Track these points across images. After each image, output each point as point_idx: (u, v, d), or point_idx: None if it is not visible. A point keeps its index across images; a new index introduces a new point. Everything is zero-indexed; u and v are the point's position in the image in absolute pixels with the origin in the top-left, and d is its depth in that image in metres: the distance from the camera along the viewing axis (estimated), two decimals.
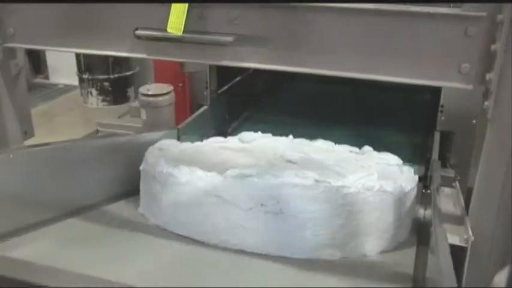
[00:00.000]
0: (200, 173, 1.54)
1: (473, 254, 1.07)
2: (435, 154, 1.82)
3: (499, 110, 1.04)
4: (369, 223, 1.49)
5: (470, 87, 1.10)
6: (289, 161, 1.75)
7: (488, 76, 1.06)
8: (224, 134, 2.28)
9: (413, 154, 2.13)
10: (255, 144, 1.96)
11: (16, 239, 1.42)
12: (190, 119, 2.10)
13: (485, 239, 1.09)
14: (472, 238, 1.11)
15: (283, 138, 1.99)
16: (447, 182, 1.66)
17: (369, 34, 1.14)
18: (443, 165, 1.87)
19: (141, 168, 1.68)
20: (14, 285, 1.09)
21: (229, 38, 1.21)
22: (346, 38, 1.16)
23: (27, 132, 1.69)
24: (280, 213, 1.46)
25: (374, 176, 1.51)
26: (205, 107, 2.20)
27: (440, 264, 0.99)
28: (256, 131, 2.26)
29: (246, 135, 2.00)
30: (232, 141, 2.00)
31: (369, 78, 1.16)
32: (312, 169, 1.58)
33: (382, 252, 1.53)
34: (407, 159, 2.05)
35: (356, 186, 1.47)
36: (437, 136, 1.92)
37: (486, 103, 1.08)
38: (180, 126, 2.00)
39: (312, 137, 2.13)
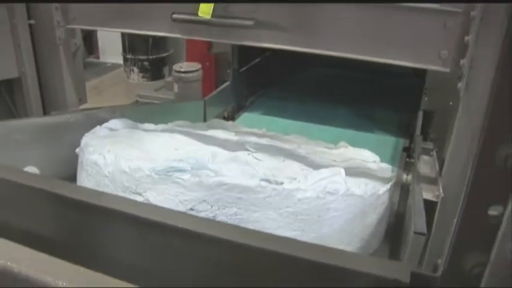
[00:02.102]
0: (124, 164, 1.15)
1: (442, 208, 1.10)
2: (418, 130, 1.85)
3: (469, 90, 1.07)
4: (329, 234, 1.12)
5: (447, 70, 1.14)
6: (247, 149, 1.35)
7: (462, 62, 1.09)
8: (242, 107, 2.34)
9: (400, 129, 2.17)
10: (219, 131, 1.56)
11: None
12: (214, 92, 2.13)
13: (452, 196, 1.13)
14: (442, 195, 1.14)
15: (255, 130, 1.71)
16: (427, 153, 1.70)
17: (367, 23, 1.17)
18: (425, 139, 1.91)
19: (76, 150, 1.39)
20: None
21: (250, 22, 1.24)
22: (348, 25, 1.19)
23: (82, 99, 1.75)
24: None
25: (340, 176, 1.14)
26: (227, 83, 2.23)
27: (414, 212, 1.01)
28: (269, 105, 2.31)
29: (215, 122, 1.79)
30: (199, 126, 1.67)
31: (365, 59, 1.19)
32: (267, 164, 1.23)
33: None
34: (395, 134, 2.11)
35: (315, 190, 1.09)
36: (420, 115, 1.94)
37: (459, 84, 1.11)
38: (206, 98, 2.03)
39: (315, 113, 2.18)
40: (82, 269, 0.74)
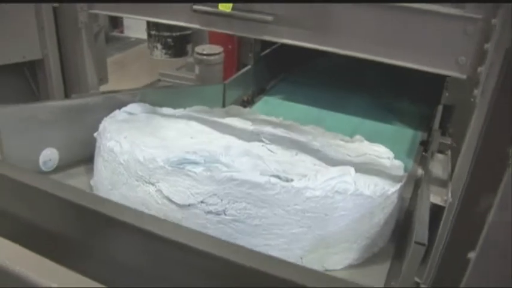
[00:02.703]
0: (139, 154, 1.17)
1: (448, 214, 1.10)
2: (436, 124, 1.84)
3: (484, 97, 1.07)
4: (335, 232, 1.13)
5: (464, 76, 1.12)
6: (261, 140, 1.38)
7: (479, 69, 1.08)
8: (262, 90, 2.35)
9: (419, 122, 2.15)
10: (236, 119, 1.57)
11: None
12: (235, 76, 2.14)
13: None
14: (450, 200, 1.14)
15: (272, 118, 1.70)
16: (444, 148, 1.69)
17: (386, 24, 1.16)
18: (443, 134, 1.90)
19: (94, 134, 1.41)
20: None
21: (270, 17, 1.25)
22: (367, 26, 1.18)
23: (103, 79, 1.78)
24: (223, 214, 1.09)
25: (349, 176, 1.14)
26: (248, 67, 2.23)
27: (418, 220, 1.01)
28: (289, 90, 2.31)
29: (233, 108, 1.79)
30: (217, 112, 1.68)
31: (383, 61, 1.19)
32: (279, 157, 1.25)
33: (350, 266, 1.20)
34: (414, 126, 2.10)
35: (323, 189, 1.10)
36: (440, 109, 1.93)
37: (475, 91, 1.10)
38: (226, 82, 2.04)
39: (334, 100, 2.17)
40: (73, 273, 0.78)
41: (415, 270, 0.92)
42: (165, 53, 3.44)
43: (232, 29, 1.31)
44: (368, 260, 1.24)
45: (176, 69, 2.59)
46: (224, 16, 1.28)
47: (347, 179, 1.15)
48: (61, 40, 1.53)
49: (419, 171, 1.73)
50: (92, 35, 1.56)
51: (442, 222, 1.09)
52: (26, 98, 1.55)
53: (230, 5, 1.24)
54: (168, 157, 1.15)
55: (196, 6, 1.30)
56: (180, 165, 1.13)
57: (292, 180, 1.12)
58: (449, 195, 1.17)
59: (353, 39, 1.19)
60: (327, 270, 1.17)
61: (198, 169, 1.10)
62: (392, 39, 1.15)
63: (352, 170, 1.20)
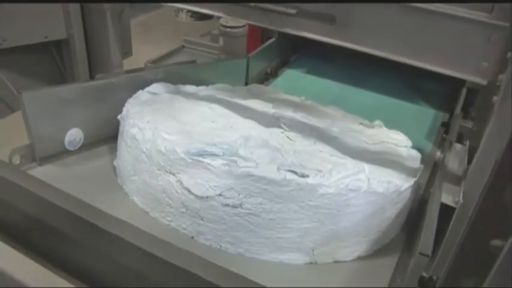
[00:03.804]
0: (160, 144, 1.20)
1: (458, 216, 1.13)
2: (458, 108, 1.83)
3: (503, 106, 1.07)
4: (346, 227, 1.17)
5: (484, 82, 1.13)
6: (281, 127, 1.40)
7: (500, 77, 1.08)
8: (286, 63, 2.35)
9: (443, 102, 2.14)
10: (257, 102, 1.58)
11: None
12: (259, 49, 2.15)
13: (471, 205, 1.15)
14: (461, 201, 1.16)
15: (294, 97, 1.71)
16: (465, 131, 1.69)
17: (409, 25, 1.16)
18: (465, 117, 1.89)
19: (118, 117, 1.44)
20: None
21: (293, 10, 1.25)
22: (390, 26, 1.18)
23: (127, 52, 1.81)
24: (240, 208, 1.13)
25: (363, 174, 1.17)
26: (273, 39, 2.23)
27: (425, 227, 1.02)
28: (312, 64, 2.30)
29: (255, 87, 1.80)
30: (239, 91, 1.69)
31: (403, 61, 1.20)
32: (298, 146, 1.29)
33: (359, 257, 1.24)
34: (436, 106, 2.09)
35: (337, 186, 1.12)
36: (463, 92, 1.91)
37: (495, 98, 1.11)
38: (250, 55, 2.05)
39: (357, 75, 2.16)
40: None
41: (417, 280, 0.96)
42: (190, 16, 3.41)
43: (255, 19, 1.32)
44: (378, 250, 1.28)
45: (200, 36, 2.58)
46: (248, 7, 1.28)
47: (361, 177, 1.18)
48: (86, 20, 1.55)
49: (438, 154, 1.73)
50: (117, 15, 1.58)
51: (451, 225, 1.12)
52: (53, 75, 1.60)
53: None
54: (189, 148, 1.19)
55: None
56: (200, 156, 1.17)
57: (307, 176, 1.15)
58: (461, 196, 1.19)
59: (374, 37, 1.19)
60: (337, 261, 1.22)
61: (217, 163, 1.14)
62: (415, 40, 1.16)
63: (366, 166, 1.22)
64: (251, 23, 1.33)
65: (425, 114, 2.07)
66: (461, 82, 1.98)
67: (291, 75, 2.26)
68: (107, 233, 0.90)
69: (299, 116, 1.54)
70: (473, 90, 1.93)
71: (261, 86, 1.85)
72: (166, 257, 0.84)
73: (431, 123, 2.02)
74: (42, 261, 1.03)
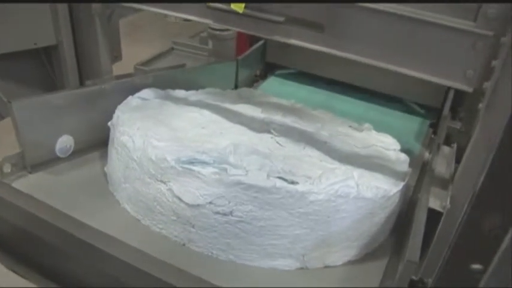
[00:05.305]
0: (151, 152, 1.20)
1: (445, 221, 1.14)
2: (446, 110, 1.84)
3: (489, 113, 1.08)
4: (336, 233, 1.18)
5: (470, 89, 1.14)
6: (270, 132, 1.41)
7: (485, 84, 1.10)
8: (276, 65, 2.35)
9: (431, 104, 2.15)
10: (247, 107, 1.58)
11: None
12: (248, 52, 2.15)
13: (458, 210, 1.16)
14: (449, 206, 1.18)
15: (284, 101, 1.73)
16: (454, 132, 1.71)
17: (396, 33, 1.16)
18: (453, 118, 1.90)
19: (108, 123, 1.44)
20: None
21: (281, 18, 1.25)
22: (378, 33, 1.18)
23: (117, 56, 1.81)
24: (230, 215, 1.14)
25: (352, 180, 1.18)
26: (261, 42, 2.23)
27: (413, 234, 1.03)
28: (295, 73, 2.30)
29: (245, 91, 1.82)
30: (229, 95, 1.70)
31: (390, 68, 1.20)
32: (287, 151, 1.31)
33: (349, 262, 1.25)
34: (425, 108, 2.10)
35: (327, 193, 1.14)
36: (451, 93, 1.92)
37: (480, 105, 1.12)
38: (239, 57, 2.06)
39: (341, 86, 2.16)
40: None
41: (406, 285, 0.97)
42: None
43: (243, 26, 1.32)
44: (367, 255, 1.29)
45: (190, 38, 2.58)
46: (236, 14, 1.28)
47: (350, 183, 1.19)
48: (75, 25, 1.55)
49: (427, 155, 1.75)
50: (105, 19, 1.57)
51: (438, 230, 1.14)
52: (43, 82, 1.59)
53: (242, 5, 1.25)
54: (179, 156, 1.19)
55: (211, 4, 1.30)
56: (190, 164, 1.17)
57: (297, 183, 1.16)
58: (448, 201, 1.21)
59: (362, 45, 1.19)
60: (327, 266, 1.24)
61: (207, 171, 1.15)
62: (401, 48, 1.16)
63: (355, 172, 1.24)
64: (239, 30, 1.33)
65: (414, 115, 2.09)
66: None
67: (279, 78, 2.27)
68: (88, 244, 0.91)
69: (289, 121, 1.55)
70: (461, 91, 1.95)
71: (251, 90, 1.86)
72: (148, 269, 0.86)
73: (419, 124, 2.04)
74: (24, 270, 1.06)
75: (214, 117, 1.48)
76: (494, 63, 1.07)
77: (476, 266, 0.78)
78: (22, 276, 1.15)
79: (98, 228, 0.98)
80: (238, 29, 1.33)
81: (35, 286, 1.16)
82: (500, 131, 0.83)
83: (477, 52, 1.09)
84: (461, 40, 1.09)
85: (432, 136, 1.96)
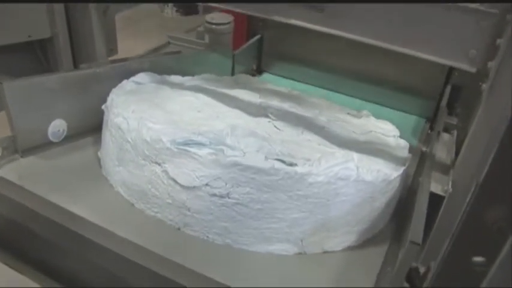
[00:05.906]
0: (145, 133, 1.16)
1: (447, 205, 1.12)
2: (443, 104, 1.82)
3: (492, 93, 1.06)
4: (336, 217, 1.14)
5: (474, 70, 1.11)
6: (268, 116, 1.38)
7: (489, 64, 1.07)
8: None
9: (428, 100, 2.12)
10: (244, 92, 1.55)
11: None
12: (245, 46, 2.12)
13: (460, 194, 1.14)
14: (450, 190, 1.16)
15: (281, 88, 1.70)
16: (450, 127, 1.68)
17: (399, 12, 1.14)
18: (450, 113, 1.88)
19: (102, 107, 1.39)
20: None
21: None
22: (380, 13, 1.15)
23: (113, 50, 1.77)
24: (227, 198, 1.10)
25: (352, 163, 1.14)
26: (258, 36, 2.19)
27: (415, 215, 1.00)
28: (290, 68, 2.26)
29: (242, 77, 1.79)
30: (226, 81, 1.67)
31: (392, 48, 1.17)
32: (285, 135, 1.27)
33: (348, 247, 1.22)
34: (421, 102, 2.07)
35: (326, 175, 1.09)
36: (448, 89, 1.90)
37: (483, 85, 1.10)
38: (235, 52, 2.02)
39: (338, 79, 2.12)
40: None
41: (407, 269, 0.94)
42: (176, 11, 3.38)
43: (242, 7, 1.29)
44: (367, 240, 1.26)
45: (186, 32, 2.55)
46: None
47: (350, 166, 1.15)
48: (70, 18, 1.51)
49: (424, 149, 1.72)
50: (101, 12, 1.54)
51: (440, 214, 1.12)
52: (37, 73, 1.55)
53: None
54: (174, 137, 1.15)
55: None
56: (186, 146, 1.13)
57: (296, 164, 1.12)
58: (450, 185, 1.18)
59: (364, 25, 1.17)
60: (326, 251, 1.20)
61: (203, 152, 1.11)
62: (404, 27, 1.14)
63: (355, 155, 1.20)
64: (240, 11, 1.30)
65: (409, 115, 2.05)
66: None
67: (272, 78, 2.23)
68: (78, 234, 0.88)
69: (286, 106, 1.51)
70: (458, 88, 1.93)
71: (248, 76, 1.82)
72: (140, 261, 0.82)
73: (416, 119, 2.01)
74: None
75: (210, 101, 1.44)
76: (499, 41, 1.04)
77: (478, 259, 0.74)
78: (16, 270, 1.10)
79: (91, 212, 0.95)
80: (238, 10, 1.30)
81: (29, 279, 1.12)
82: (504, 112, 0.81)
83: (481, 31, 1.07)
84: (465, 18, 1.07)
85: (429, 132, 1.94)
